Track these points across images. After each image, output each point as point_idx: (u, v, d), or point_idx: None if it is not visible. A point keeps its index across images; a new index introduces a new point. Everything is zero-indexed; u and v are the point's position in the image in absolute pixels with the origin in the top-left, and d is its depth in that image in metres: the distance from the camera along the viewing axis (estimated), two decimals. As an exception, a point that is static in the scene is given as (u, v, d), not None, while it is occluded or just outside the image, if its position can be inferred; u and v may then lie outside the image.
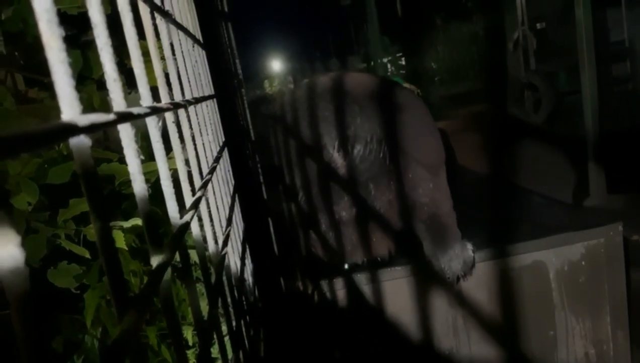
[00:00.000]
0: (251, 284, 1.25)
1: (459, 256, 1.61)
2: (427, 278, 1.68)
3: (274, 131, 1.67)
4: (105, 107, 1.62)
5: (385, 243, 1.65)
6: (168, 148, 0.57)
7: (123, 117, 0.35)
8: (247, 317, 1.00)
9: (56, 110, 0.27)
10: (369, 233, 1.63)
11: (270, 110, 1.77)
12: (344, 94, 1.60)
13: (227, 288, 0.79)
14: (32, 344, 0.22)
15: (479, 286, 1.70)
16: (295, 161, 1.61)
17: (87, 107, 1.57)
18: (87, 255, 1.45)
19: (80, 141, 0.28)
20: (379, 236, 1.64)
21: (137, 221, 1.54)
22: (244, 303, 0.99)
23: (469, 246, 1.64)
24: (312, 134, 1.58)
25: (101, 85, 1.68)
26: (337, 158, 1.57)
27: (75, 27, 1.56)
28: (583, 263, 1.72)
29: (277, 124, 1.68)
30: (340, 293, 1.69)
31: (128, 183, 1.56)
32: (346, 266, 1.69)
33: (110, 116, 0.32)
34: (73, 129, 0.26)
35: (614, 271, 1.73)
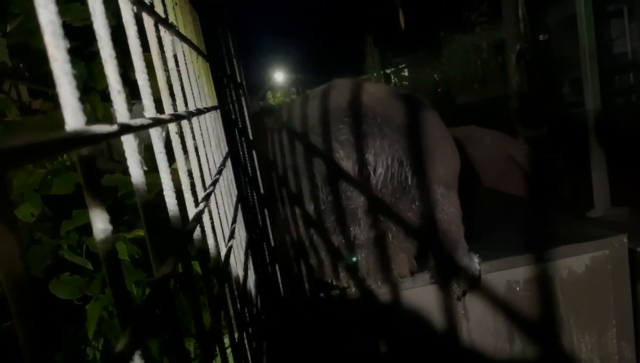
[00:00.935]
0: (254, 295, 1.24)
1: (465, 270, 1.60)
2: (434, 290, 1.67)
3: (278, 146, 1.64)
4: (109, 118, 1.63)
5: (403, 263, 1.64)
6: (172, 159, 0.57)
7: (126, 128, 0.35)
8: (250, 329, 0.99)
9: (60, 121, 0.27)
10: (387, 253, 1.62)
11: (274, 124, 1.73)
12: (361, 112, 1.54)
13: (229, 300, 0.78)
14: (36, 356, 0.22)
15: (485, 298, 1.69)
16: (304, 181, 1.57)
17: (91, 118, 1.58)
18: (90, 266, 1.45)
19: (84, 152, 0.28)
20: (397, 255, 1.63)
21: (140, 232, 1.54)
22: (247, 315, 0.98)
23: (476, 259, 1.63)
24: (325, 156, 1.54)
25: (105, 96, 1.68)
26: (355, 182, 1.53)
27: (79, 38, 1.57)
28: (588, 275, 1.71)
29: (281, 140, 1.64)
30: (345, 305, 1.68)
31: (131, 194, 1.56)
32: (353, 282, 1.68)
33: (114, 127, 0.32)
34: (77, 140, 0.26)
35: (619, 283, 1.72)
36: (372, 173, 1.52)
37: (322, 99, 1.63)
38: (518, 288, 1.70)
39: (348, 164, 1.53)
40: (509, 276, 1.69)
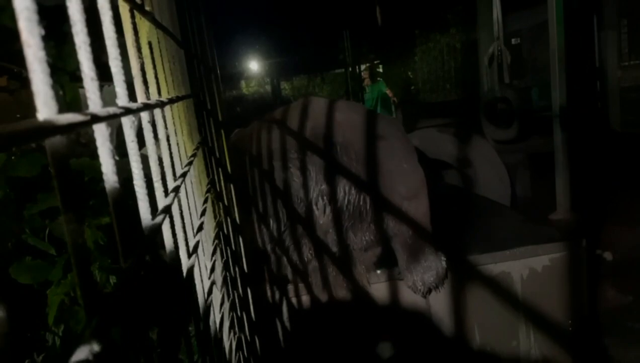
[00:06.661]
0: (220, 286, 1.24)
1: (431, 269, 1.63)
2: (400, 286, 1.69)
3: (242, 167, 1.67)
4: (77, 99, 1.60)
5: (361, 273, 1.69)
6: (142, 144, 0.56)
7: (98, 117, 0.35)
8: (216, 319, 0.99)
9: (26, 101, 0.27)
10: (347, 266, 1.68)
11: (241, 143, 1.76)
12: (320, 141, 1.61)
13: (196, 290, 0.78)
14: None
15: (448, 294, 1.72)
16: (267, 204, 1.64)
17: (60, 100, 1.54)
18: (52, 251, 1.42)
19: (56, 141, 0.28)
20: (356, 267, 1.68)
21: (106, 219, 1.51)
22: (212, 305, 0.98)
23: (442, 257, 1.67)
24: (284, 182, 1.61)
25: (74, 76, 1.64)
26: (312, 208, 1.60)
27: (49, 18, 1.53)
28: (547, 275, 1.76)
29: (245, 161, 1.68)
30: (308, 299, 1.69)
31: (97, 179, 1.53)
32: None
33: (86, 116, 0.32)
34: (48, 129, 0.26)
35: (576, 284, 1.78)
36: (328, 201, 1.59)
37: (286, 123, 1.69)
38: (479, 286, 1.74)
39: (305, 191, 1.59)
40: (472, 274, 1.73)
